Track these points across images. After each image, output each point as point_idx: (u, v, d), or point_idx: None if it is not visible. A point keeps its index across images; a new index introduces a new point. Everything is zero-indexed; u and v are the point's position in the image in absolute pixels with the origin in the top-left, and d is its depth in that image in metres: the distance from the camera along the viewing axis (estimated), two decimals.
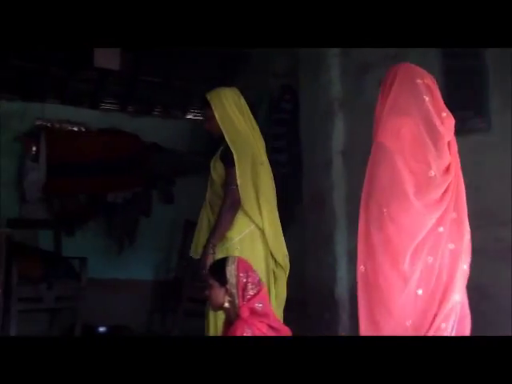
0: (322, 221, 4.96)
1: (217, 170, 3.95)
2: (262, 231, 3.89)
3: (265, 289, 3.13)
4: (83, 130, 6.50)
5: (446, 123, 3.26)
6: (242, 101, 4.02)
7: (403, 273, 3.10)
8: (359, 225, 3.22)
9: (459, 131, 4.09)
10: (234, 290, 3.08)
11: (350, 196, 4.84)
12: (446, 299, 3.17)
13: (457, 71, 4.18)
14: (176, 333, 5.81)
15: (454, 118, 3.26)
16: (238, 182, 3.82)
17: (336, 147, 4.94)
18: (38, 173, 6.09)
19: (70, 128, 6.42)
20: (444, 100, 3.81)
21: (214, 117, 3.93)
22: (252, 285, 3.09)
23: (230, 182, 3.84)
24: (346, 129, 4.94)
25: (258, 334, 2.97)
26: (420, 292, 3.13)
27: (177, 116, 7.29)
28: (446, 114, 3.27)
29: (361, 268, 3.17)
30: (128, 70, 6.46)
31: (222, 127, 3.91)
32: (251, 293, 3.07)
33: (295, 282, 4.70)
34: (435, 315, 3.14)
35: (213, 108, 3.93)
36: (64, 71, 6.44)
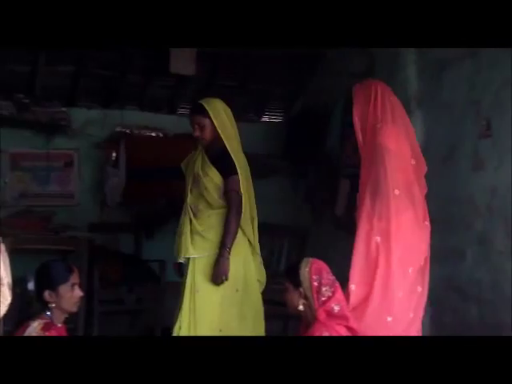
0: None
1: (210, 176, 3.99)
2: (247, 239, 4.05)
3: (341, 290, 3.09)
4: (161, 135, 6.59)
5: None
6: (230, 112, 4.13)
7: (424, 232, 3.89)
8: (365, 206, 3.76)
9: None
10: (308, 293, 3.06)
11: (429, 196, 4.73)
12: None
13: None
14: None
15: None
16: (242, 189, 3.97)
17: None
18: (118, 178, 6.21)
19: (148, 133, 6.53)
20: None
21: (209, 125, 4.01)
22: (325, 287, 3.06)
23: (235, 188, 3.95)
24: (424, 128, 4.84)
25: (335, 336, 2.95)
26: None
27: (252, 119, 7.31)
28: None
29: (376, 239, 3.69)
30: (203, 74, 6.53)
31: (222, 135, 4.00)
32: (326, 295, 3.04)
33: None
34: None
35: (211, 116, 4.00)
36: (141, 78, 6.56)
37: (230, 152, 4.00)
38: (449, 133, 4.59)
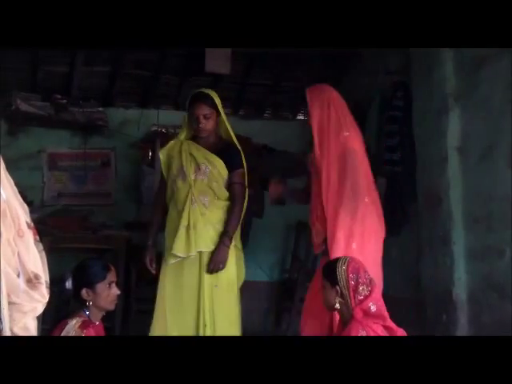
0: (437, 220, 4.82)
1: (216, 166, 3.95)
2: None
3: (378, 290, 3.07)
4: None
5: None
6: None
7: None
8: (340, 212, 3.76)
9: None
10: (345, 292, 3.05)
11: (467, 194, 4.68)
12: None
13: None
14: (290, 333, 5.82)
15: None
16: (246, 183, 4.04)
17: (451, 144, 4.78)
18: (154, 177, 6.25)
19: None
20: None
21: (214, 116, 3.97)
22: (362, 285, 3.05)
23: (241, 181, 4.01)
24: (462, 125, 4.78)
25: (372, 335, 2.93)
26: None
27: (287, 117, 7.31)
28: None
29: (353, 245, 3.70)
30: (238, 73, 6.54)
31: (228, 127, 4.05)
32: (363, 294, 3.03)
33: (411, 283, 4.62)
34: None
35: (219, 108, 3.99)
36: (177, 78, 6.60)
37: (240, 146, 4.04)
38: (486, 130, 4.52)
